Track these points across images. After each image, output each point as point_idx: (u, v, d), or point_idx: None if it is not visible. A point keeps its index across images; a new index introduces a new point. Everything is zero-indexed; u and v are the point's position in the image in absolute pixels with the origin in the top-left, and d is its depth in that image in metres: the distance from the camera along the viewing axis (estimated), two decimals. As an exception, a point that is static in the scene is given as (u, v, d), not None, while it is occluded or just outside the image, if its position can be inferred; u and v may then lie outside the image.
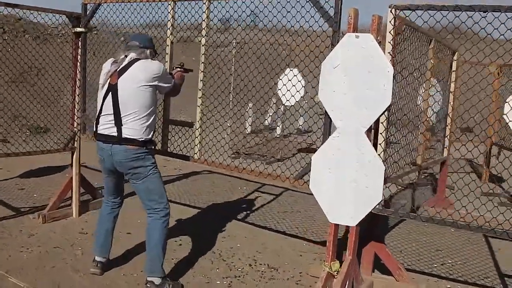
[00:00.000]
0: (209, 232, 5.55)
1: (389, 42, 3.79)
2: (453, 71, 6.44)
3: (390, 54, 3.79)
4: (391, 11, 3.76)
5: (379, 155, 3.81)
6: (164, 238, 4.08)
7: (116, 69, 3.93)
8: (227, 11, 4.53)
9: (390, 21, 3.76)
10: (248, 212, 6.46)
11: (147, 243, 4.09)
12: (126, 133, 3.89)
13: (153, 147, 4.07)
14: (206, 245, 5.16)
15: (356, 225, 3.90)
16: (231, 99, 11.15)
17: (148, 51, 4.09)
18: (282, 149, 9.53)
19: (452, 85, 6.52)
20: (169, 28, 4.82)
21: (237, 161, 9.50)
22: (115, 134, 3.91)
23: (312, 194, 7.18)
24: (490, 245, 5.69)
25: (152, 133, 4.03)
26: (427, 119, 5.67)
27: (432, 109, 5.86)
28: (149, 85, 3.91)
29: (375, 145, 3.87)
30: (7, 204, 5.98)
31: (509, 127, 8.05)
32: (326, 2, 3.96)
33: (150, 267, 4.06)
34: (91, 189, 5.97)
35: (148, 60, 4.04)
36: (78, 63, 5.51)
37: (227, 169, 4.66)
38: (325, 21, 3.96)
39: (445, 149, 6.83)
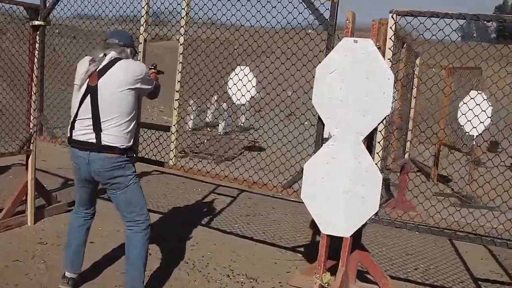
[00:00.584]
0: (175, 239, 5.26)
1: (389, 49, 3.68)
2: (416, 76, 6.48)
3: (390, 61, 3.69)
4: (392, 17, 3.66)
5: (376, 164, 3.71)
6: (145, 252, 3.78)
7: (96, 69, 3.58)
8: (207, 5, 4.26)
9: (390, 27, 3.66)
10: (211, 216, 6.21)
11: (126, 258, 3.78)
12: (106, 140, 3.54)
13: (133, 155, 3.76)
14: (176, 254, 4.88)
15: (350, 236, 3.79)
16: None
17: (128, 50, 3.76)
18: (232, 148, 9.35)
19: (415, 90, 6.58)
20: (142, 24, 4.48)
21: (183, 161, 9.20)
22: (94, 140, 3.55)
23: (271, 196, 7.26)
24: (456, 248, 5.77)
25: (132, 140, 3.72)
26: (397, 119, 5.70)
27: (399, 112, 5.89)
28: (132, 88, 3.59)
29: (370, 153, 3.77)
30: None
31: (462, 129, 8.28)
32: (321, 4, 3.79)
33: (131, 283, 3.74)
34: (46, 194, 5.51)
35: (130, 60, 3.72)
36: (36, 59, 5.04)
37: (207, 176, 4.40)
38: (319, 24, 3.80)
39: (405, 152, 6.90)
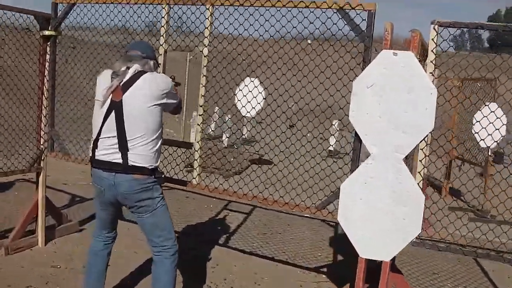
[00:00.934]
0: (196, 259, 5.02)
1: (431, 62, 3.49)
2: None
3: (432, 75, 3.49)
4: (434, 28, 3.46)
5: (418, 184, 3.50)
6: (174, 279, 3.53)
7: (119, 83, 3.35)
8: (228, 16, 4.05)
9: (432, 39, 3.46)
10: (227, 234, 5.97)
11: (154, 285, 3.53)
12: (133, 160, 3.30)
13: (162, 176, 3.53)
14: (198, 276, 4.64)
15: (390, 260, 3.57)
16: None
17: (151, 62, 3.53)
18: (240, 163, 9.11)
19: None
20: (162, 35, 4.26)
21: (190, 175, 8.96)
22: (120, 161, 3.30)
23: (285, 213, 7.02)
24: (481, 266, 5.57)
25: (159, 159, 3.49)
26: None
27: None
28: (158, 103, 3.37)
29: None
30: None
31: (474, 141, 8.12)
32: (357, 14, 3.59)
33: (160, 312, 3.50)
34: (56, 213, 5.25)
35: (155, 73, 3.50)
36: (46, 71, 4.80)
37: (234, 196, 4.15)
38: (356, 35, 3.60)
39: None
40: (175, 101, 3.57)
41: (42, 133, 4.83)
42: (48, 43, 4.78)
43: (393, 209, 3.48)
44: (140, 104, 3.30)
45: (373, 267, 4.52)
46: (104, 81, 3.42)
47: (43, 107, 4.82)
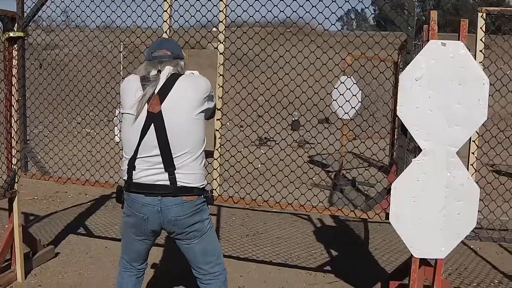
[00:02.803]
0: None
1: (480, 51, 3.39)
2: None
3: (482, 64, 3.40)
4: (481, 17, 3.37)
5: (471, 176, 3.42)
6: (228, 307, 3.16)
7: (154, 91, 2.88)
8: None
9: (481, 27, 3.36)
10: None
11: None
12: (182, 180, 2.86)
13: (212, 195, 3.11)
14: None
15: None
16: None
17: (182, 62, 3.07)
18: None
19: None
20: (165, 32, 3.76)
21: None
22: (166, 182, 2.85)
23: (250, 209, 6.74)
24: (467, 245, 5.66)
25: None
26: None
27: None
28: (202, 111, 2.94)
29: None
30: None
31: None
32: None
33: None
34: (31, 240, 4.55)
35: (191, 75, 3.06)
36: (14, 79, 4.08)
37: (252, 205, 3.82)
38: (398, 26, 3.41)
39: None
40: (213, 104, 3.16)
41: (13, 151, 4.13)
42: (15, 47, 4.07)
43: (447, 204, 3.38)
44: (184, 114, 2.86)
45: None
46: (132, 89, 2.92)
47: (12, 121, 4.11)
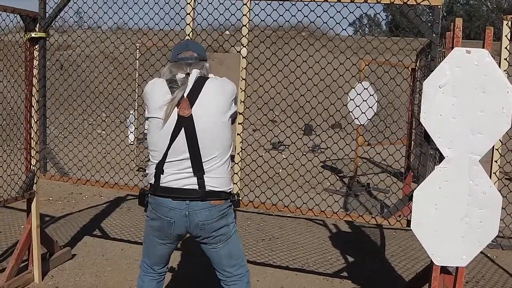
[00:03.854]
0: (208, 276, 4.59)
1: (505, 59, 3.37)
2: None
3: (507, 72, 3.37)
4: (506, 25, 3.35)
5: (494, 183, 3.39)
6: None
7: (183, 95, 2.87)
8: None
9: (506, 35, 3.34)
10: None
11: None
12: (210, 184, 2.85)
13: (238, 199, 3.10)
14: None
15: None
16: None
17: (207, 64, 3.06)
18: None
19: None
20: (188, 35, 3.77)
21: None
22: (195, 186, 2.83)
23: (264, 214, 6.72)
24: (484, 254, 5.62)
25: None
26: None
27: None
28: (230, 114, 2.94)
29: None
30: None
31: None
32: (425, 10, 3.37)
33: None
34: (48, 241, 4.56)
35: (218, 78, 3.04)
36: (35, 79, 4.11)
37: (272, 209, 3.80)
38: (423, 33, 3.39)
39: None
40: (236, 108, 3.15)
41: (33, 152, 4.15)
42: (36, 47, 4.09)
43: (469, 212, 3.35)
44: (214, 118, 2.85)
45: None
46: (159, 93, 2.89)
47: (32, 121, 4.13)
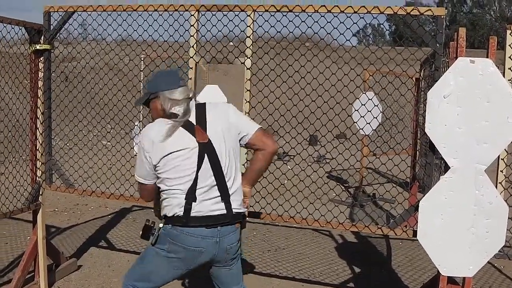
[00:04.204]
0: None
1: (509, 69, 3.36)
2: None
3: (511, 82, 3.36)
4: (510, 34, 3.35)
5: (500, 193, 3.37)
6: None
7: (193, 123, 2.82)
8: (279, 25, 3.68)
9: (509, 45, 3.34)
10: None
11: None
12: (235, 206, 2.84)
13: (246, 220, 3.08)
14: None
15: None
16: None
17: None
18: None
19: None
20: (192, 46, 3.79)
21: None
22: (223, 211, 2.79)
23: (270, 224, 6.71)
24: (491, 264, 5.59)
25: None
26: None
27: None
28: (239, 132, 2.94)
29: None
30: None
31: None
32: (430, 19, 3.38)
33: None
34: (54, 253, 4.56)
35: (212, 103, 3.01)
36: (40, 91, 4.13)
37: (278, 220, 3.79)
38: (426, 42, 3.39)
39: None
40: (240, 114, 3.15)
41: (38, 163, 4.16)
42: (41, 59, 4.12)
43: (476, 222, 3.33)
44: (229, 140, 2.86)
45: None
46: (164, 132, 2.75)
47: (38, 133, 4.15)
